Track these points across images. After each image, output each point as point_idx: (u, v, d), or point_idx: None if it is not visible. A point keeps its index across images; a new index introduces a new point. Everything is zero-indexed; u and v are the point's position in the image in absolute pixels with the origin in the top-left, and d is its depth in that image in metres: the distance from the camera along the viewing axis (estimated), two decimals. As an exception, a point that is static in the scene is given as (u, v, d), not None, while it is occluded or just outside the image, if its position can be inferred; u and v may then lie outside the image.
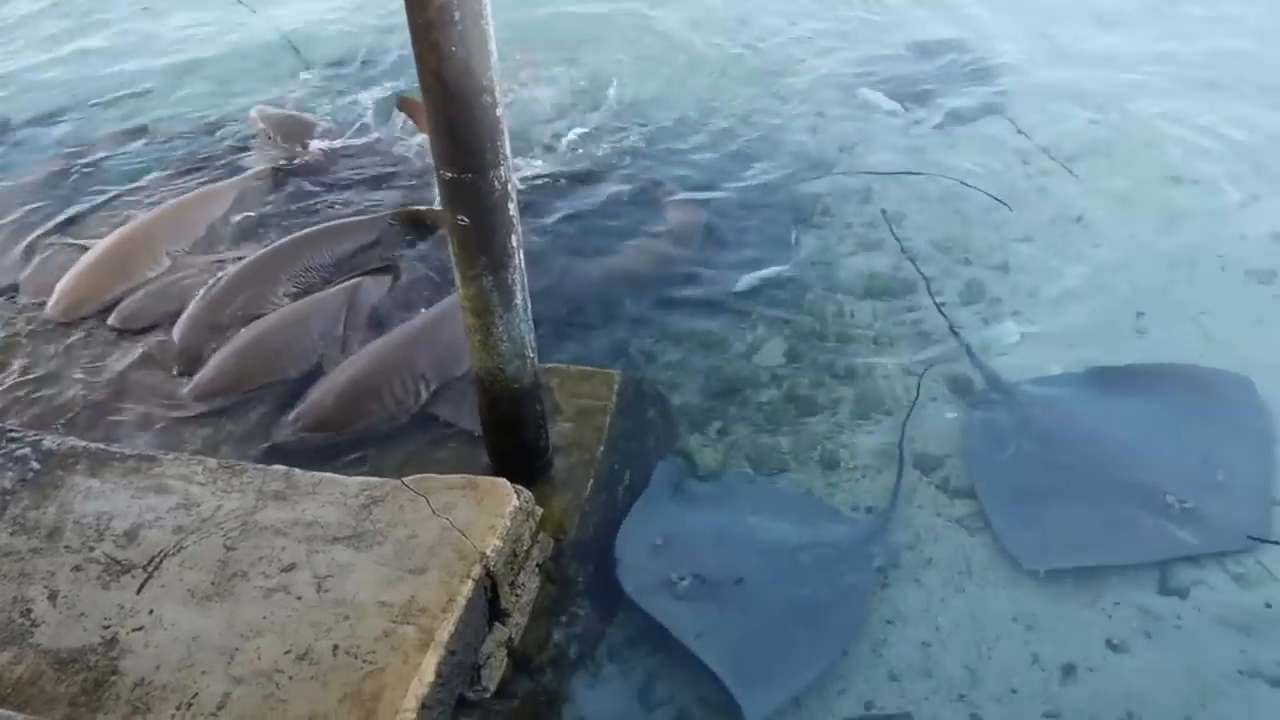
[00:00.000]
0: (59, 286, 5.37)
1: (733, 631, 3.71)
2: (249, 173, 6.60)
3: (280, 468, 3.62)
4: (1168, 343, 5.14)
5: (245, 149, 7.05)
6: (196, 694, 2.86)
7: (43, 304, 5.31)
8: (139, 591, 3.17)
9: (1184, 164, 6.58)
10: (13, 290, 5.55)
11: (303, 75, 8.23)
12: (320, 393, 4.54)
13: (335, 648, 2.97)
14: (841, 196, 6.44)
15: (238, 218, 6.11)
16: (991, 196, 6.30)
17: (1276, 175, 6.43)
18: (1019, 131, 6.98)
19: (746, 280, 5.66)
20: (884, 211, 6.22)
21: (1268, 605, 3.87)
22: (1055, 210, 6.24)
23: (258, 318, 5.05)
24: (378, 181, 6.59)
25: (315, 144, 6.89)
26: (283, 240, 5.70)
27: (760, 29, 8.67)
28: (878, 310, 5.50)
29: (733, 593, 3.83)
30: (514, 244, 3.34)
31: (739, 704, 3.47)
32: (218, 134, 7.34)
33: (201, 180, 6.60)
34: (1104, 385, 4.78)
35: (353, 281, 5.34)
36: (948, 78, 7.69)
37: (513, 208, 3.27)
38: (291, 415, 4.47)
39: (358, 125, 7.22)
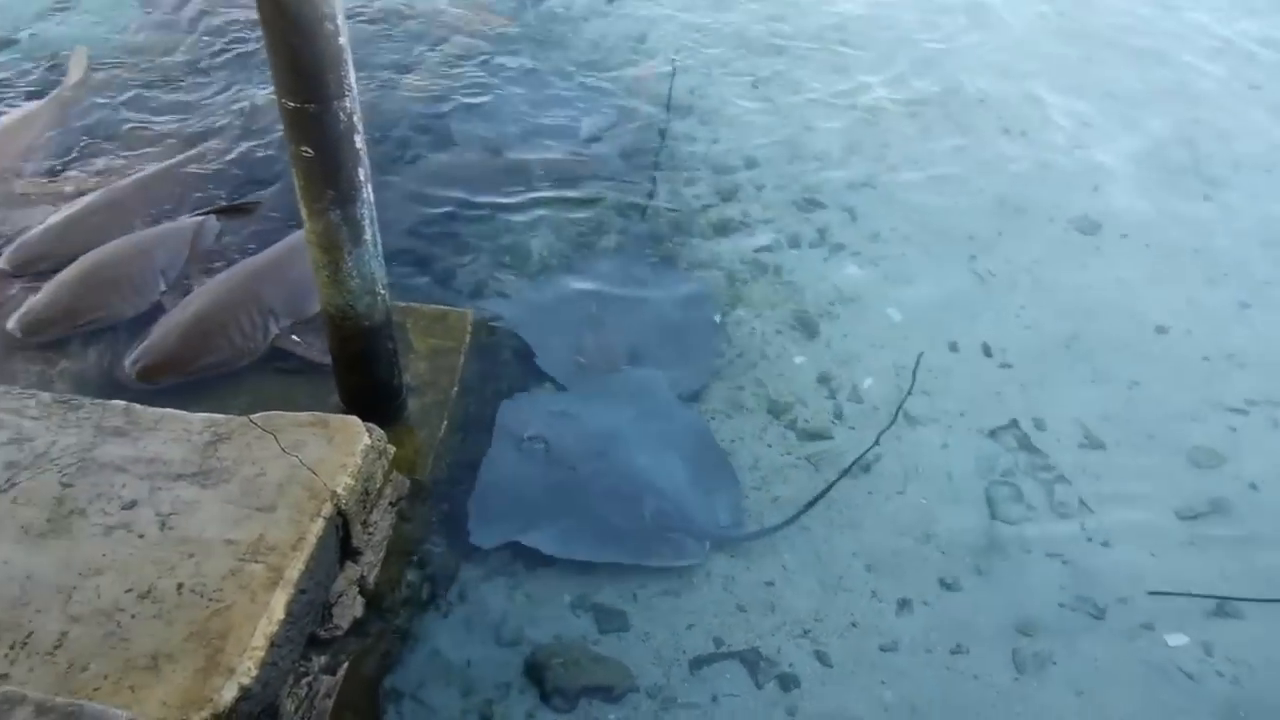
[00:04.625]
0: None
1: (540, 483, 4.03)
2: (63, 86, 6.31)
3: (120, 403, 3.47)
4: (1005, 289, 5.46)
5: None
6: (31, 633, 2.76)
7: None
8: (-34, 530, 3.03)
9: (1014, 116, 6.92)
10: None
11: None
12: (162, 331, 4.29)
13: (180, 586, 2.90)
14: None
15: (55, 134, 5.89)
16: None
17: (1102, 126, 6.78)
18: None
19: None
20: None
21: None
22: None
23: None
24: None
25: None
26: (144, 172, 5.49)
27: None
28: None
29: (561, 470, 4.08)
30: (361, 177, 3.30)
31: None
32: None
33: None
34: None
35: (201, 215, 5.12)
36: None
37: (359, 140, 3.23)
38: (131, 356, 4.22)
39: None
